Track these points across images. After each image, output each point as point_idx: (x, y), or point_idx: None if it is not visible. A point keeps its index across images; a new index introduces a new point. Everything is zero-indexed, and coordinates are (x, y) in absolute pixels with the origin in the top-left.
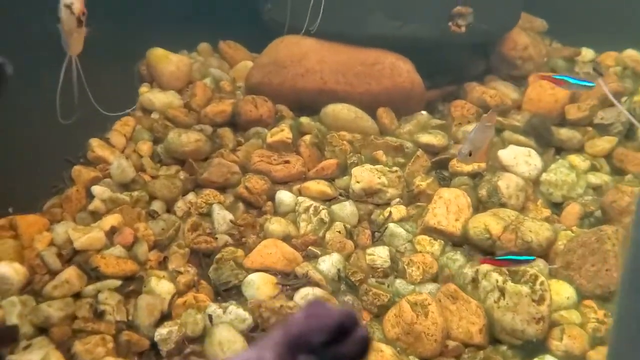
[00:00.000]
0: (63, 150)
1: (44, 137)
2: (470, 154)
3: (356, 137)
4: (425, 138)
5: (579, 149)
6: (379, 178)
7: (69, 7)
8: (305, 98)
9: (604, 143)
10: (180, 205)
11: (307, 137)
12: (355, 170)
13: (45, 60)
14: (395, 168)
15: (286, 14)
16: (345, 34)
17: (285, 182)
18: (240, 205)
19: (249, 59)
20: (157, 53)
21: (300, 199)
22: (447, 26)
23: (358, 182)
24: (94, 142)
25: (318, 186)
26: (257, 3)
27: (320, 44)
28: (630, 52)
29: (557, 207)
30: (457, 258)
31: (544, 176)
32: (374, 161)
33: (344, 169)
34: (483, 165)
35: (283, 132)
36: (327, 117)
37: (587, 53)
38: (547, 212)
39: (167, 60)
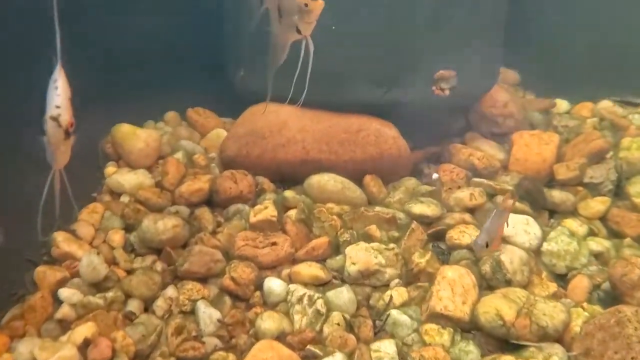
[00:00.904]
0: (23, 249)
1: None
2: (487, 245)
3: (345, 210)
4: (418, 208)
5: (573, 212)
6: (376, 257)
7: (55, 119)
8: (287, 169)
9: (597, 204)
10: (160, 304)
11: (293, 213)
12: (350, 250)
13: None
14: (391, 245)
15: (261, 81)
16: (327, 101)
17: (274, 267)
18: (227, 299)
19: (220, 126)
20: (124, 129)
21: (292, 287)
22: (431, 90)
23: (354, 263)
24: (59, 236)
25: (310, 270)
26: (225, 68)
27: (301, 111)
28: (605, 103)
29: (562, 279)
30: (470, 349)
31: (545, 246)
32: (368, 238)
33: (336, 248)
34: (499, 251)
35: (267, 210)
36: (312, 189)
37: (561, 104)
38: (553, 287)
39: (134, 137)
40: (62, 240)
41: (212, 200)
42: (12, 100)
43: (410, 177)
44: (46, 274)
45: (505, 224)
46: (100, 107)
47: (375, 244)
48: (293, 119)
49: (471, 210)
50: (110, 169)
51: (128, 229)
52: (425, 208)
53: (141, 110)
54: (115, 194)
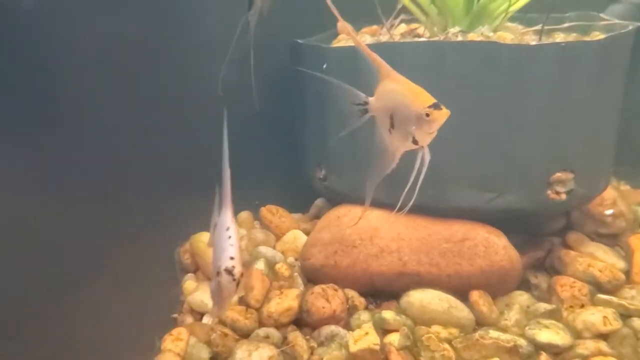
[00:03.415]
0: None
1: None
2: None
3: (453, 334)
4: (545, 336)
5: None
6: None
7: (230, 272)
8: (381, 282)
9: None
10: None
11: (395, 338)
12: None
13: None
14: None
15: (343, 183)
16: (424, 206)
17: None
18: None
19: (295, 226)
20: (204, 238)
21: None
22: (546, 195)
23: None
24: None
25: None
26: (302, 166)
27: (393, 217)
28: None
29: None
30: None
31: None
32: None
33: None
34: None
35: (368, 338)
36: (412, 308)
37: None
38: None
39: None
40: None
41: (301, 319)
42: None
43: (520, 290)
44: None
45: None
46: (174, 211)
47: None
48: (385, 226)
49: (604, 337)
50: (189, 283)
51: (215, 358)
52: (553, 336)
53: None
54: (197, 313)
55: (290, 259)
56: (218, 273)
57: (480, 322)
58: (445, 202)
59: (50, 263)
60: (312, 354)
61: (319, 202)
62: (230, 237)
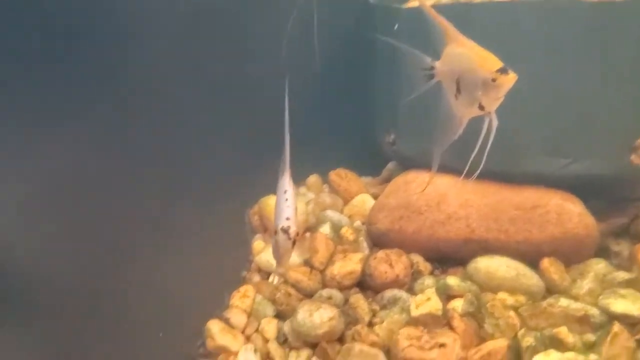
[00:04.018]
0: (182, 340)
1: (157, 326)
2: None
3: (520, 302)
4: (621, 306)
5: None
6: None
7: (285, 231)
8: (447, 249)
9: None
10: None
11: (459, 304)
12: None
13: None
14: (592, 356)
15: (413, 147)
16: (495, 171)
17: None
18: None
19: (363, 190)
20: (272, 202)
21: None
22: (629, 160)
23: None
24: (213, 327)
25: None
26: (373, 130)
27: (461, 183)
28: None
29: None
30: None
31: None
32: (556, 342)
33: (516, 353)
34: None
35: (431, 302)
36: (478, 274)
37: None
38: None
39: None
40: (216, 332)
41: (364, 283)
42: None
43: (597, 258)
44: None
45: None
46: (244, 175)
47: (571, 354)
48: (453, 192)
49: None
50: (257, 243)
51: (280, 316)
52: (629, 306)
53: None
54: (264, 272)
55: (357, 223)
56: (276, 232)
57: (551, 290)
58: (517, 167)
59: (129, 227)
60: (374, 316)
61: (390, 165)
62: (287, 199)
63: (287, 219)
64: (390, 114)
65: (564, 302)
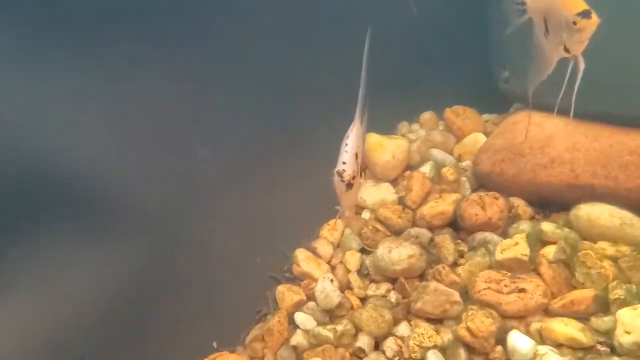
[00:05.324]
0: (270, 264)
1: (249, 249)
2: None
3: (623, 252)
4: None
5: None
6: None
7: (340, 174)
8: (549, 194)
9: None
10: (390, 345)
11: (551, 252)
12: (624, 315)
13: None
14: None
15: (525, 87)
16: (611, 114)
17: (521, 317)
18: (462, 352)
19: (481, 129)
20: (372, 140)
21: (542, 349)
22: None
23: (628, 333)
24: (300, 254)
25: (566, 329)
26: (491, 67)
27: (572, 126)
28: None
29: None
30: None
31: None
32: None
33: (605, 304)
34: None
35: (518, 247)
36: (580, 222)
37: None
38: None
39: (381, 149)
40: (302, 259)
41: (457, 224)
42: None
43: None
44: (285, 295)
45: None
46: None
47: None
48: (561, 135)
49: None
50: None
51: (365, 251)
52: None
53: (397, 108)
54: (359, 208)
55: (467, 163)
56: (334, 175)
57: None
58: (634, 109)
59: (232, 159)
60: (461, 257)
61: (519, 104)
62: (347, 145)
63: (344, 163)
64: (504, 50)
65: None
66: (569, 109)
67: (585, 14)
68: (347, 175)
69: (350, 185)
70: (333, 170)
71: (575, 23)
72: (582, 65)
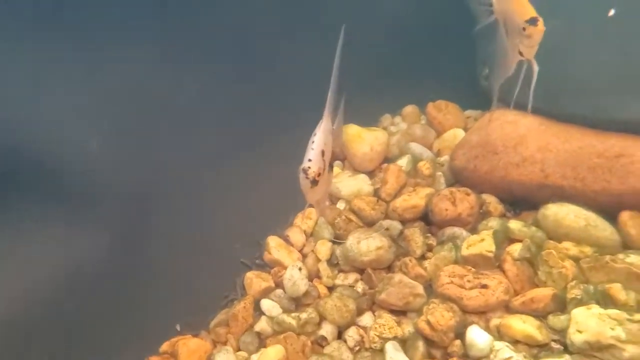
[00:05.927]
0: (243, 250)
1: (223, 236)
2: None
3: (585, 253)
4: None
5: None
6: (613, 329)
7: (305, 171)
8: (520, 192)
9: None
10: (352, 334)
11: (516, 249)
12: (578, 314)
13: None
14: (638, 316)
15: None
16: (581, 116)
17: (481, 312)
18: (420, 344)
19: (461, 125)
20: (350, 131)
21: (498, 344)
22: None
23: (580, 332)
24: (272, 241)
25: (523, 326)
26: (474, 63)
27: (545, 125)
28: None
29: None
30: None
31: None
32: (607, 299)
33: (562, 303)
34: None
35: (483, 244)
36: (546, 221)
37: None
38: None
39: (359, 140)
40: (273, 247)
41: (428, 218)
42: None
43: None
44: (253, 281)
45: None
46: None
47: (614, 312)
48: (534, 134)
49: None
50: (335, 170)
51: (337, 239)
52: None
53: (381, 100)
54: (335, 198)
55: (445, 158)
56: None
57: (628, 246)
58: (605, 112)
59: (214, 143)
60: (429, 251)
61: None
62: (313, 142)
63: (309, 160)
64: (484, 48)
65: (632, 259)
66: (544, 109)
67: (532, 21)
68: (312, 172)
69: (315, 182)
70: (299, 167)
71: (524, 29)
72: (535, 68)
